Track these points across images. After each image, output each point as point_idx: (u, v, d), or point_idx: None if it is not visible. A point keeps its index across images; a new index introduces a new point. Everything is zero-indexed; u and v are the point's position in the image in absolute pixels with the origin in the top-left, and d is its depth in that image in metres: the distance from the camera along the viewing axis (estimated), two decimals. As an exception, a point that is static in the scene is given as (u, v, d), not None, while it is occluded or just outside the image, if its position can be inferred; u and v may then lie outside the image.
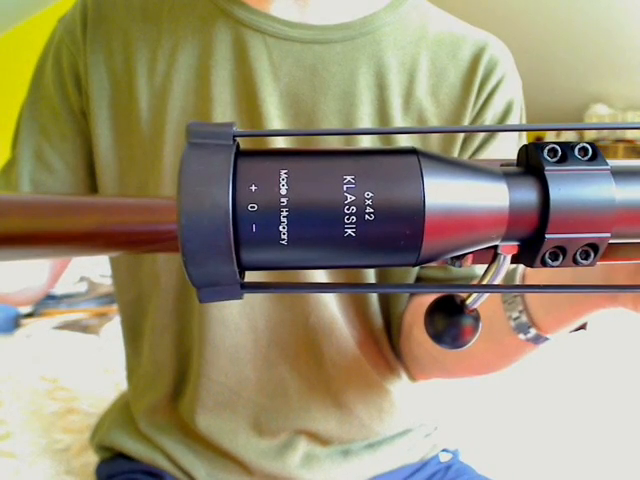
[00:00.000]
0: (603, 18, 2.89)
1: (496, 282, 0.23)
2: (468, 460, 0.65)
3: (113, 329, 1.46)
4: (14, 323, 1.44)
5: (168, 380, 0.56)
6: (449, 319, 0.25)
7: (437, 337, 0.25)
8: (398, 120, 0.48)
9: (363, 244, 0.19)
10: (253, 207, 0.18)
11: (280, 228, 0.18)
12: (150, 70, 0.48)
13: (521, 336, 0.40)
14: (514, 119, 0.52)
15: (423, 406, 0.61)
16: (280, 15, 0.47)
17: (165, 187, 0.48)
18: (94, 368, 1.20)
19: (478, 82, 0.49)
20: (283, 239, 0.18)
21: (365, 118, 0.48)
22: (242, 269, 0.20)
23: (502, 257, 0.22)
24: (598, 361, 1.34)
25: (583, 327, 0.36)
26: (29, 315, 1.51)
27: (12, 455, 0.83)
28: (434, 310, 0.25)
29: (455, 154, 0.50)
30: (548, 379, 1.25)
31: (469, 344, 0.25)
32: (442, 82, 0.49)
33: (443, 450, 0.63)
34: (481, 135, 0.50)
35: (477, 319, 0.25)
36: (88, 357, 1.27)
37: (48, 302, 1.61)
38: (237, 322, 0.51)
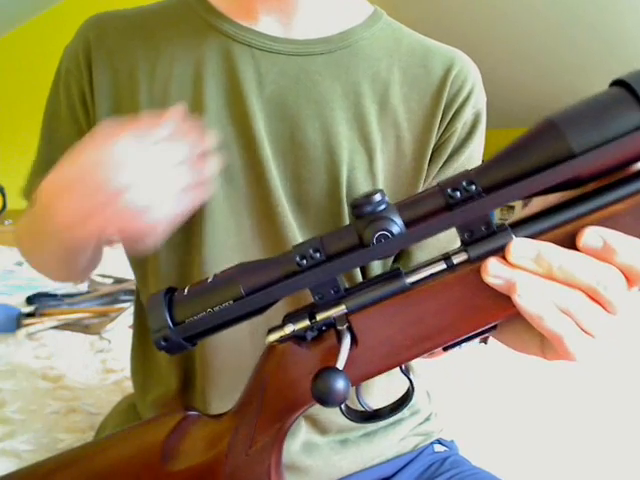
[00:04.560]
0: (603, 19, 2.89)
1: (342, 361, 0.33)
2: (464, 453, 0.66)
3: (114, 329, 1.46)
4: (16, 323, 1.45)
5: (177, 372, 0.57)
6: (323, 384, 0.32)
7: (319, 400, 0.32)
8: (374, 126, 0.52)
9: None
10: None
11: None
12: (150, 83, 0.52)
13: None
14: (481, 128, 0.56)
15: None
16: (266, 31, 0.53)
17: None
18: (95, 368, 1.21)
19: (448, 93, 0.53)
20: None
21: (343, 123, 0.52)
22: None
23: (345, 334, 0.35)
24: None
25: (485, 340, 0.38)
26: (31, 315, 1.51)
27: (14, 454, 0.84)
28: (314, 378, 0.33)
29: (425, 164, 0.54)
30: (546, 375, 1.25)
31: (338, 403, 0.32)
32: (414, 90, 0.54)
33: (438, 442, 0.64)
34: (449, 149, 0.54)
35: (347, 383, 0.32)
36: (89, 357, 1.28)
37: (49, 302, 1.62)
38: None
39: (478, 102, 0.55)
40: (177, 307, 0.37)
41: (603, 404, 1.17)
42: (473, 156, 0.57)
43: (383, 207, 0.34)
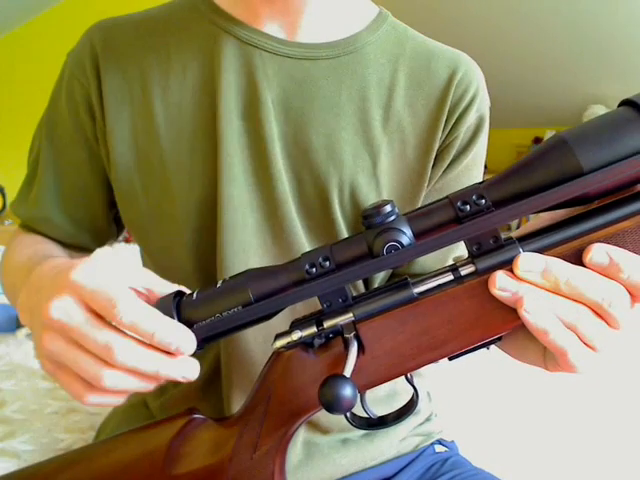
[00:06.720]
0: (602, 19, 2.89)
1: (349, 369, 0.34)
2: (465, 453, 0.66)
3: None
4: (16, 323, 1.45)
5: (209, 361, 0.56)
6: (331, 391, 0.32)
7: (326, 407, 0.33)
8: (379, 130, 0.53)
9: None
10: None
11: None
12: (164, 90, 0.52)
13: None
14: (485, 131, 0.56)
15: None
16: (274, 33, 0.53)
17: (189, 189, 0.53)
18: (95, 368, 1.21)
19: (452, 97, 0.53)
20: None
21: (348, 128, 0.52)
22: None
23: (351, 341, 0.35)
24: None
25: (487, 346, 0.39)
26: (31, 315, 1.51)
27: (14, 455, 0.84)
28: (322, 385, 0.33)
29: (429, 168, 0.54)
30: (546, 376, 1.26)
31: (346, 410, 0.32)
32: (418, 94, 0.54)
33: (439, 442, 0.64)
34: (452, 152, 0.55)
35: (354, 391, 0.32)
36: (89, 357, 1.27)
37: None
38: (255, 335, 0.53)
39: (482, 106, 0.56)
40: (186, 311, 0.37)
41: (602, 404, 1.17)
42: (476, 159, 0.57)
43: (393, 218, 0.34)
